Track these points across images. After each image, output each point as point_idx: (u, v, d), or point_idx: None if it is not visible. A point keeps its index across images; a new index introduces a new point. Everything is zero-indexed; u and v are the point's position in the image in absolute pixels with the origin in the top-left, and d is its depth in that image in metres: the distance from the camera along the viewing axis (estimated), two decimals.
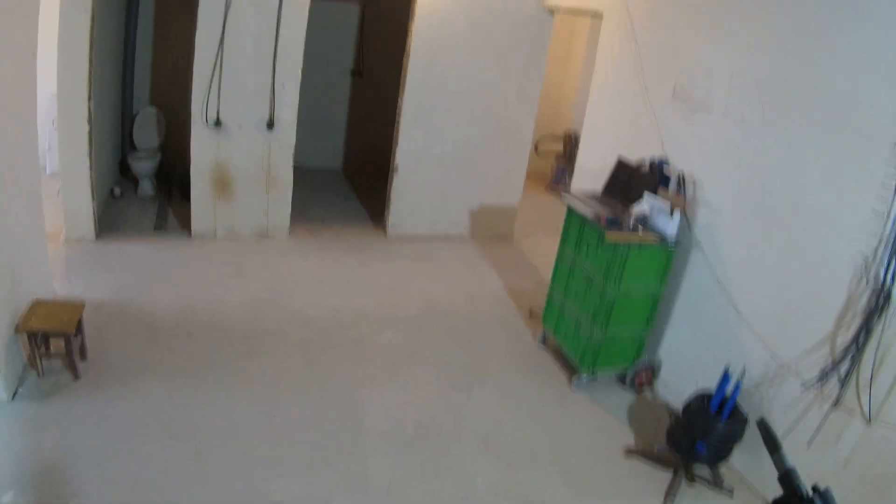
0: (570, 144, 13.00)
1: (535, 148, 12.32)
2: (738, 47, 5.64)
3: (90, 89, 7.37)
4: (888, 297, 4.29)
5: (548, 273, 8.24)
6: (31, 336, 5.24)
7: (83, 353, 5.66)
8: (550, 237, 9.43)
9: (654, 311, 6.30)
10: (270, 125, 8.16)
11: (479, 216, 9.90)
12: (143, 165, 9.54)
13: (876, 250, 4.38)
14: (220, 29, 7.60)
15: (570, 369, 6.67)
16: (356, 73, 12.02)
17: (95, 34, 7.29)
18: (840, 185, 4.67)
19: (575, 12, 8.43)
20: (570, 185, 12.69)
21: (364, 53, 11.87)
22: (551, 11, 9.01)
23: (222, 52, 7.68)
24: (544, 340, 7.16)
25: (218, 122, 7.94)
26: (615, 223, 5.89)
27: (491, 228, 10.06)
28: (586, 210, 6.19)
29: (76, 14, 7.04)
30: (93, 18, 7.13)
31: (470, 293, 8.17)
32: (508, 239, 10.21)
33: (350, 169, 12.65)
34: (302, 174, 9.39)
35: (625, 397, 6.42)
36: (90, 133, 7.52)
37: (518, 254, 9.75)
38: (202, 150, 8.07)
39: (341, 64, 11.89)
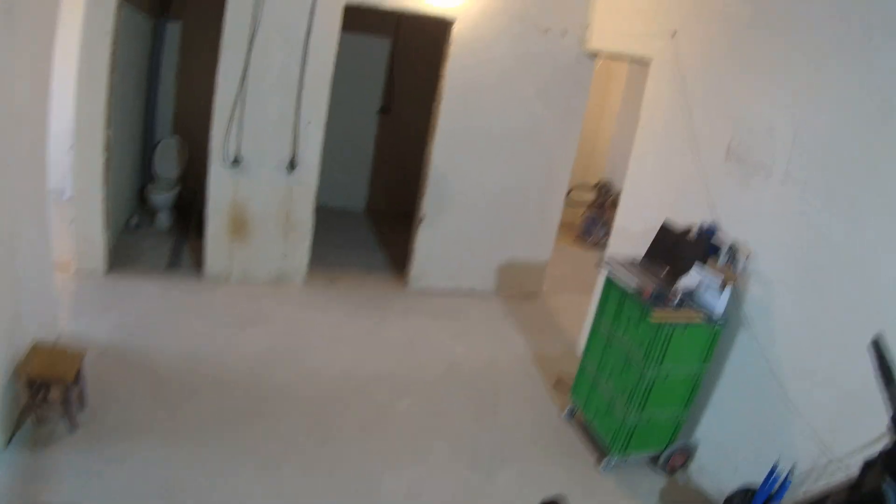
0: (603, 195, 12.63)
1: (567, 198, 11.93)
2: (804, 105, 5.16)
3: (109, 116, 7.16)
4: None
5: (575, 335, 8.08)
6: (30, 382, 5.00)
7: (82, 402, 5.41)
8: (580, 294, 9.07)
9: (695, 392, 5.84)
10: (292, 166, 7.82)
11: (507, 271, 9.47)
12: (161, 197, 9.33)
13: None
14: (244, 61, 7.29)
15: (599, 449, 6.20)
16: (384, 110, 11.63)
17: (118, 59, 7.11)
18: None
19: (619, 57, 8.01)
20: (601, 237, 12.38)
21: (393, 90, 11.49)
22: (593, 56, 8.58)
23: (245, 85, 7.37)
24: (572, 415, 6.67)
25: (237, 160, 7.63)
26: (660, 299, 5.43)
27: (518, 285, 9.62)
28: (628, 282, 5.72)
29: (97, 37, 6.84)
30: (114, 42, 6.92)
31: (493, 357, 7.71)
32: (536, 296, 9.75)
33: (373, 210, 12.30)
34: (322, 214, 9.03)
35: (656, 481, 5.95)
36: (107, 162, 7.31)
37: (545, 313, 9.29)
38: (219, 188, 7.76)
39: (369, 100, 11.53)
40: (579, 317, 8.30)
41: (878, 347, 3.81)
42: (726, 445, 5.76)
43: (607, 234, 12.30)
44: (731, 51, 6.08)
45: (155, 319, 7.08)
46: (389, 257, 10.09)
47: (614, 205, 12.20)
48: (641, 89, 7.44)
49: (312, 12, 7.30)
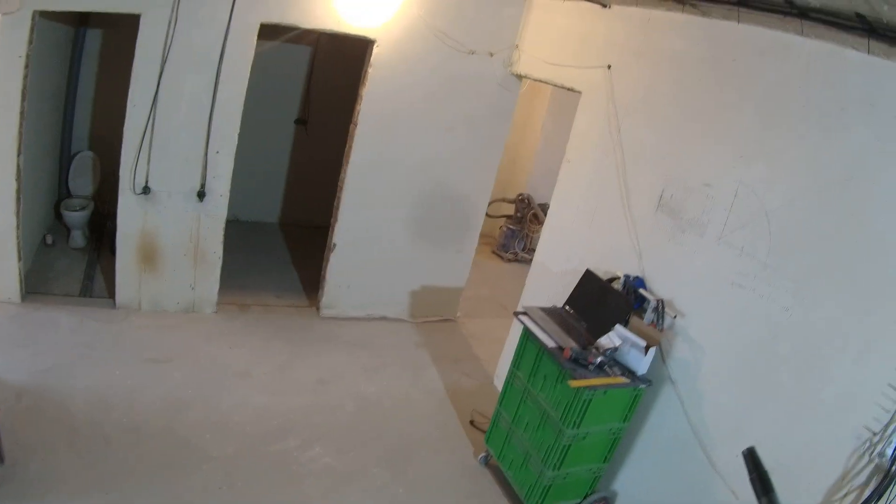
0: (523, 208, 12.47)
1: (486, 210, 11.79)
2: (750, 162, 4.94)
3: (20, 144, 6.89)
4: (893, 479, 3.80)
5: (491, 365, 7.99)
6: None
7: (1, 457, 5.24)
8: (496, 318, 8.92)
9: (614, 448, 5.71)
10: (201, 196, 7.53)
11: (421, 297, 9.29)
12: (75, 217, 9.05)
13: (886, 428, 3.90)
14: (155, 87, 6.97)
15: (514, 498, 6.05)
16: (301, 121, 11.32)
17: (33, 76, 6.82)
18: (855, 349, 4.14)
19: (546, 83, 7.77)
20: (519, 251, 12.22)
21: (311, 101, 11.19)
22: (519, 79, 8.36)
23: (155, 112, 7.06)
24: (486, 459, 6.51)
25: (147, 189, 7.32)
26: (580, 360, 5.27)
27: (432, 310, 9.45)
28: (547, 339, 5.55)
29: (9, 63, 6.55)
30: (27, 66, 6.62)
31: (407, 393, 7.52)
32: (450, 321, 9.58)
33: (287, 221, 12.00)
34: (235, 227, 8.77)
35: None
36: (18, 192, 7.06)
37: (460, 341, 9.11)
38: (129, 217, 7.47)
39: (285, 110, 11.23)
40: (495, 343, 8.20)
41: (752, 457, 3.78)
42: (646, 500, 5.67)
43: (526, 248, 12.22)
44: (672, 94, 5.80)
45: (69, 357, 6.81)
46: (302, 278, 9.83)
47: (535, 218, 12.09)
48: (567, 102, 7.24)
49: (226, 35, 7.01)
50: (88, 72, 9.69)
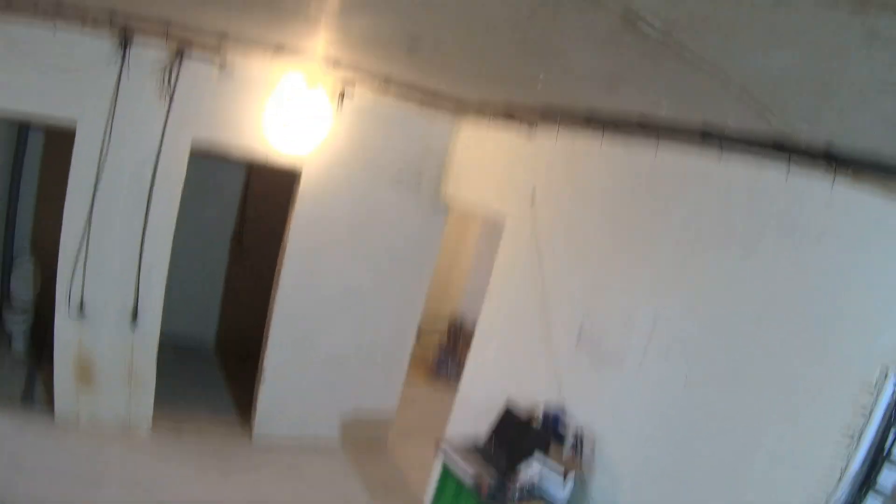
0: (456, 331, 12.52)
1: (418, 333, 11.81)
2: (669, 290, 5.08)
3: None
4: None
5: (422, 492, 7.87)
6: None
7: None
8: (427, 442, 8.86)
9: None
10: (135, 317, 7.58)
11: (352, 425, 9.30)
12: (16, 325, 9.15)
13: None
14: (90, 203, 7.09)
15: None
16: (236, 240, 11.32)
17: None
18: (776, 474, 4.20)
19: (472, 213, 7.88)
20: (452, 374, 12.19)
21: (246, 221, 11.23)
22: (447, 207, 8.50)
23: (90, 231, 7.15)
24: None
25: (82, 309, 7.36)
26: (499, 493, 5.29)
27: (364, 437, 9.43)
28: (466, 474, 5.58)
29: None
30: None
31: None
32: (382, 448, 9.54)
33: (222, 344, 11.80)
34: (170, 350, 8.71)
35: None
36: None
37: (392, 470, 9.08)
38: (65, 336, 7.47)
39: (220, 230, 11.25)
40: (425, 469, 8.09)
41: None
42: None
43: (459, 371, 12.21)
44: (594, 223, 5.93)
45: (6, 471, 6.72)
46: (235, 400, 9.77)
47: (467, 343, 12.12)
48: (499, 224, 7.26)
49: (157, 160, 7.15)
50: (31, 173, 9.72)
